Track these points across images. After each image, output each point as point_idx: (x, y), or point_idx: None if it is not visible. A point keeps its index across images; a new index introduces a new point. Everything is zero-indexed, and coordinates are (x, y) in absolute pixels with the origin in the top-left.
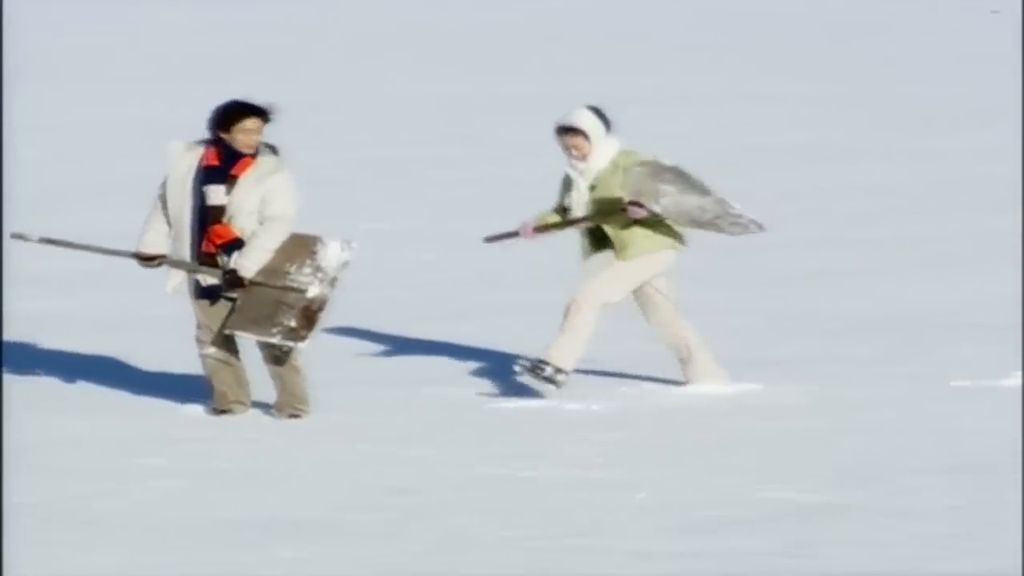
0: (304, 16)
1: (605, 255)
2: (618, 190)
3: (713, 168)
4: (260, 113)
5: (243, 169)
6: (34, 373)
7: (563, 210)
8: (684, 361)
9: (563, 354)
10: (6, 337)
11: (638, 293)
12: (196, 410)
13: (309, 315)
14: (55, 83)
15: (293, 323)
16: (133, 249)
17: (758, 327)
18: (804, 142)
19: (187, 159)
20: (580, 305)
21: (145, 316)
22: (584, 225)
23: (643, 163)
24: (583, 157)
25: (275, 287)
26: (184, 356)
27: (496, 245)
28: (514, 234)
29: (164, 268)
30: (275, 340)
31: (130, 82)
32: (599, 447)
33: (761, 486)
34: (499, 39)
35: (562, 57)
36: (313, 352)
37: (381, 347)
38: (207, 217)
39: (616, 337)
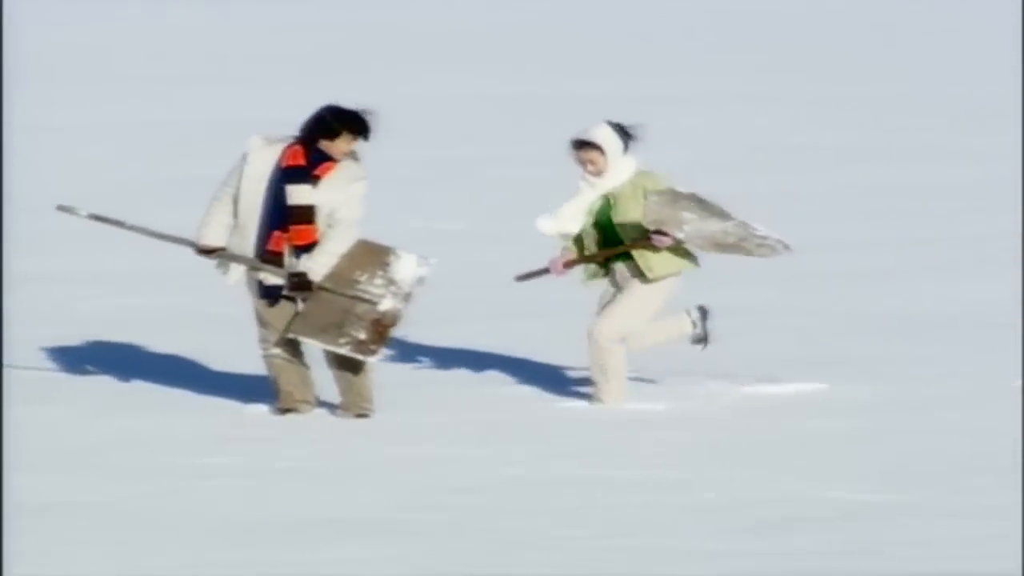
0: (357, 16)
1: (611, 289)
2: (639, 214)
3: (748, 167)
4: (365, 137)
5: (327, 171)
6: (97, 372)
7: (583, 232)
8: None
9: (617, 396)
10: (68, 338)
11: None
12: (261, 409)
13: (380, 329)
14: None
15: (363, 335)
16: (188, 238)
17: (816, 326)
18: (841, 142)
19: (264, 155)
20: (607, 347)
21: (208, 315)
22: (607, 253)
23: (659, 192)
24: (598, 173)
25: (344, 295)
26: (248, 355)
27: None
28: (545, 271)
29: (221, 264)
30: (343, 351)
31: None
32: (662, 447)
33: (824, 486)
34: (562, 39)
35: (626, 57)
36: None
37: (445, 347)
38: (285, 216)
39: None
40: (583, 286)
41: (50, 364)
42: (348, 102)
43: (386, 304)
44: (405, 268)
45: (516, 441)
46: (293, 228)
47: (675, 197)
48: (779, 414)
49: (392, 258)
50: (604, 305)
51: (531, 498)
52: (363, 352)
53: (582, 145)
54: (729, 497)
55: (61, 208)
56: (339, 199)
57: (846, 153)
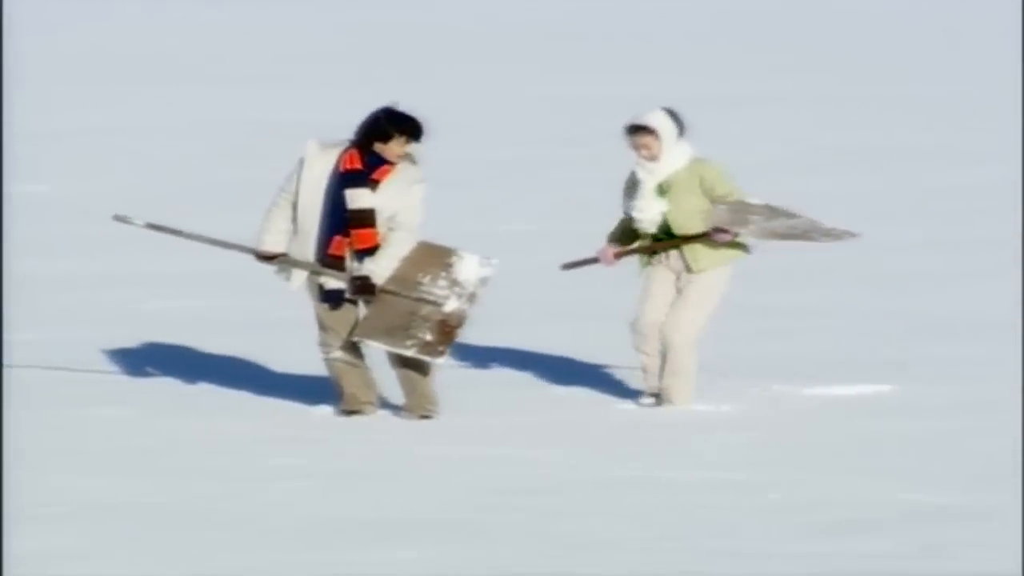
0: (429, 17)
1: (664, 269)
2: (694, 202)
3: (804, 167)
4: (416, 139)
5: (385, 175)
6: (160, 374)
7: (630, 220)
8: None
9: (686, 395)
10: (132, 340)
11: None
12: (325, 411)
13: (447, 330)
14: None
15: (429, 337)
16: (248, 245)
17: (880, 328)
18: (910, 143)
19: (322, 160)
20: (680, 347)
21: (274, 317)
22: (659, 246)
23: (728, 203)
24: (652, 157)
25: (408, 297)
26: (311, 357)
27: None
28: (594, 260)
29: (283, 270)
30: (410, 353)
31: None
32: (730, 448)
33: (894, 487)
34: (624, 41)
35: (689, 58)
36: None
37: (510, 348)
38: (346, 220)
39: (747, 339)
40: (639, 276)
41: (113, 365)
42: (401, 105)
43: (451, 305)
44: (468, 269)
45: (578, 442)
46: (354, 232)
47: (745, 207)
48: (843, 416)
49: (455, 259)
50: (653, 295)
51: (594, 499)
52: (430, 353)
53: (637, 130)
54: (794, 499)
55: (117, 218)
56: (399, 202)
57: (907, 153)
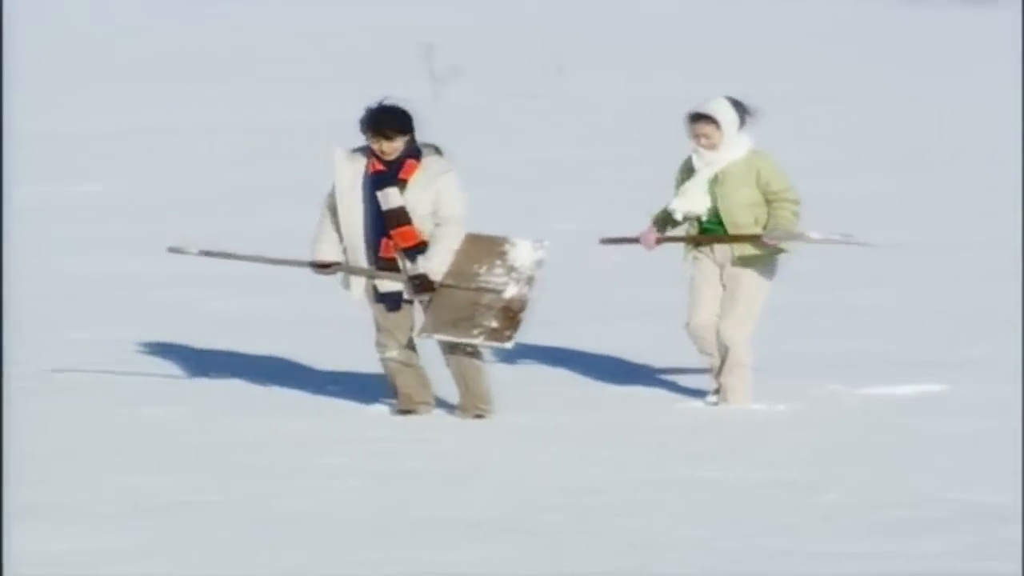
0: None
1: (709, 263)
2: (748, 194)
3: (868, 167)
4: (384, 135)
5: (411, 172)
6: (218, 373)
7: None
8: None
9: (744, 393)
10: (191, 338)
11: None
12: (381, 410)
13: (511, 315)
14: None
15: (495, 324)
16: (306, 257)
17: (942, 327)
18: (969, 143)
19: (352, 167)
20: (739, 343)
21: (330, 316)
22: (707, 240)
23: (788, 232)
24: (712, 147)
25: (468, 289)
26: (368, 356)
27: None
28: (634, 240)
29: (343, 280)
30: (478, 341)
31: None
32: (785, 448)
33: (950, 487)
34: (690, 41)
35: (755, 57)
36: (495, 352)
37: (565, 347)
38: (385, 222)
39: (800, 337)
40: (683, 261)
41: (167, 365)
42: (388, 100)
43: (511, 291)
44: (522, 254)
45: (635, 442)
46: (394, 232)
47: (802, 235)
48: (899, 415)
49: (507, 246)
50: (702, 294)
51: (653, 499)
52: (498, 339)
53: (698, 118)
54: (849, 498)
55: (172, 250)
56: (430, 197)
57: (957, 154)
